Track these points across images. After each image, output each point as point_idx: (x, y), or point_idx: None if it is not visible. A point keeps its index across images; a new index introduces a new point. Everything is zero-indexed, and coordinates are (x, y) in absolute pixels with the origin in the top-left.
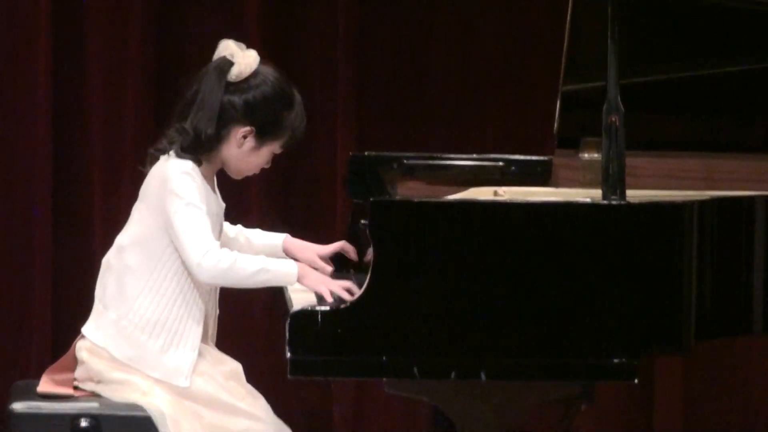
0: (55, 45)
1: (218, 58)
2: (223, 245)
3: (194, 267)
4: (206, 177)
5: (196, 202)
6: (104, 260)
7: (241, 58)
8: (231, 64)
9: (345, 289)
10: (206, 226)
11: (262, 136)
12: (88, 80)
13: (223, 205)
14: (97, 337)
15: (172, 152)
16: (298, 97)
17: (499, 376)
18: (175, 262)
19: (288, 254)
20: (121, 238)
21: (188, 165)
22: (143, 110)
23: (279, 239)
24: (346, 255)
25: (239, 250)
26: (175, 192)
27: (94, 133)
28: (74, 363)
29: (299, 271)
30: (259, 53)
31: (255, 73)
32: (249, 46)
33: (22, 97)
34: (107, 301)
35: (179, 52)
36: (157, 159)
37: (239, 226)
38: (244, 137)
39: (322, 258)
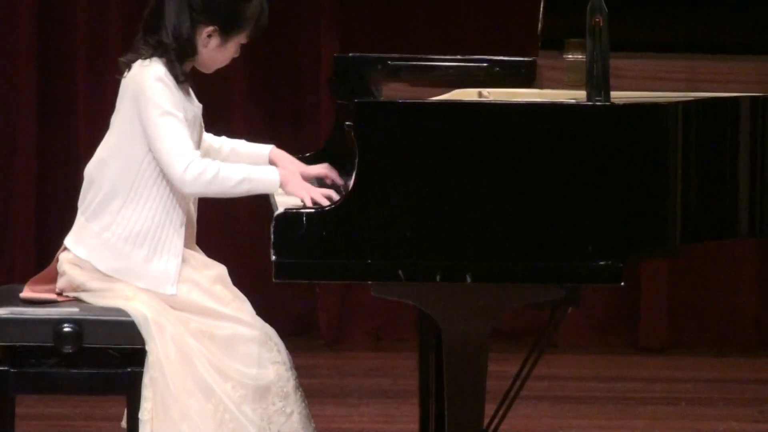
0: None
1: None
2: (206, 156)
3: (177, 180)
4: (181, 83)
5: (173, 110)
6: (86, 172)
7: None
8: None
9: (326, 198)
10: (185, 135)
11: (226, 32)
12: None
13: (200, 106)
14: (80, 250)
15: (145, 60)
16: None
17: (485, 278)
18: (155, 170)
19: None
20: (101, 150)
21: (160, 70)
22: (128, 15)
23: (265, 150)
24: (328, 180)
25: (224, 161)
26: (151, 100)
27: (78, 42)
28: (56, 275)
29: (281, 177)
30: None
31: None
32: None
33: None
34: (90, 214)
35: None
36: (129, 67)
37: (224, 137)
38: (209, 36)
39: (305, 178)
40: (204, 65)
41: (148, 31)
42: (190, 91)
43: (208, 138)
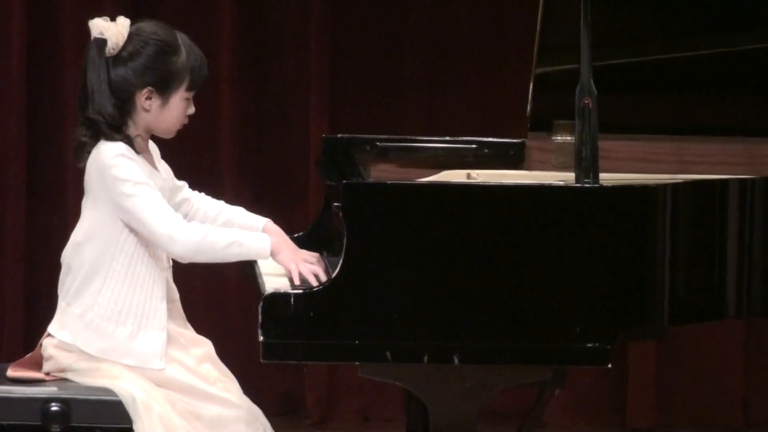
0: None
1: (92, 40)
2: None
3: (166, 241)
4: (142, 152)
5: (144, 179)
6: (62, 258)
7: (110, 30)
8: (104, 41)
9: (313, 274)
10: (162, 202)
11: (164, 90)
12: (63, 34)
13: (167, 178)
14: (65, 335)
15: (100, 143)
16: (181, 36)
17: (472, 359)
18: (131, 246)
19: None
20: (76, 234)
21: (121, 147)
22: None
23: (260, 224)
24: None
25: None
26: (118, 177)
27: (69, 100)
28: (40, 359)
29: (272, 246)
30: (230, 34)
31: (130, 38)
32: (220, 27)
33: None
34: (70, 298)
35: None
36: (85, 152)
37: (222, 203)
38: (148, 99)
39: None
40: (158, 129)
41: (81, 109)
42: (156, 164)
43: (206, 203)
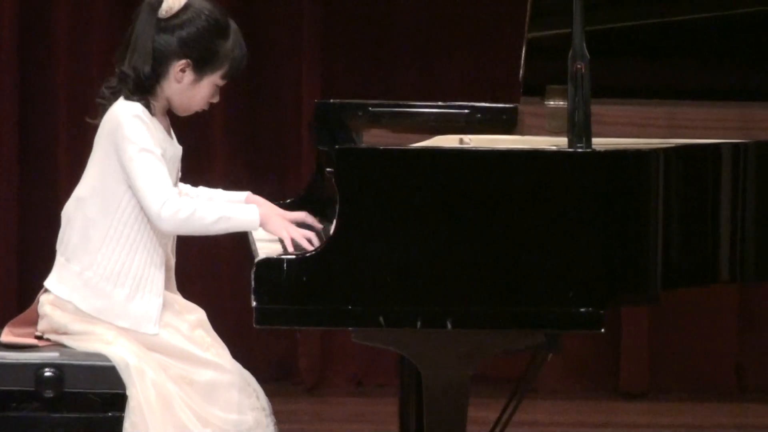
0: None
1: None
2: None
3: (154, 217)
4: (158, 118)
5: (150, 147)
6: (63, 213)
7: None
8: (159, 1)
9: (306, 240)
10: (162, 172)
11: (200, 68)
12: (55, 16)
13: (180, 147)
14: (62, 290)
15: (120, 100)
16: (234, 26)
17: (465, 324)
18: (135, 208)
19: None
20: (79, 190)
21: (137, 108)
22: (109, 55)
23: (241, 197)
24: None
25: None
26: (128, 137)
27: (60, 83)
28: (36, 317)
29: (261, 216)
30: (224, 1)
31: (186, 7)
32: None
33: None
34: (69, 254)
35: None
36: (105, 107)
37: (201, 187)
38: (182, 71)
39: None
40: (178, 104)
41: (118, 63)
42: (171, 132)
43: (185, 188)
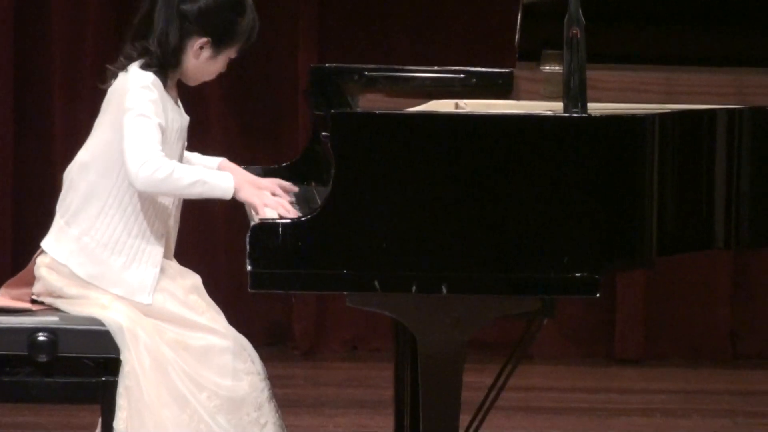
0: None
1: None
2: None
3: (132, 176)
4: (168, 89)
5: (149, 113)
6: (65, 175)
7: None
8: None
9: (280, 205)
10: (151, 136)
11: (219, 44)
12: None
13: (187, 118)
14: (58, 253)
15: (133, 66)
16: (249, 0)
17: (460, 289)
18: None
19: None
20: (83, 154)
21: (149, 78)
22: (104, 25)
23: (215, 163)
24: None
25: None
26: (131, 104)
27: (54, 49)
28: (33, 278)
29: (236, 184)
30: None
31: None
32: None
33: None
34: (69, 218)
35: None
36: (116, 75)
37: None
38: (201, 48)
39: None
40: (192, 77)
41: (136, 37)
42: (179, 102)
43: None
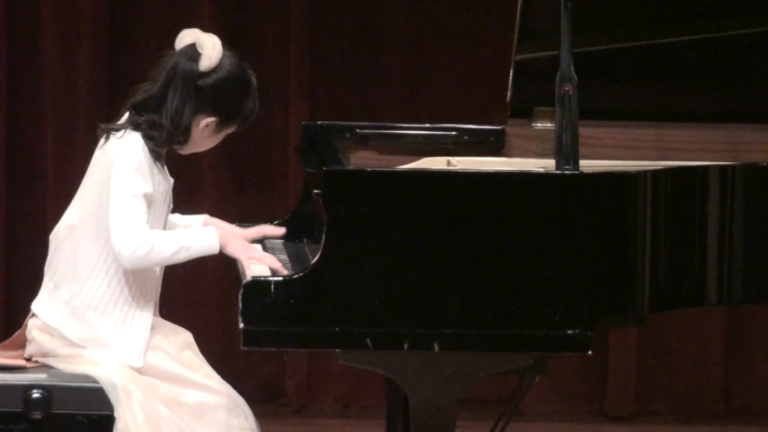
0: (8, 16)
1: (185, 47)
2: None
3: (116, 254)
4: (155, 153)
5: (136, 188)
6: (52, 237)
7: (210, 49)
8: (199, 54)
9: (264, 260)
10: (134, 210)
11: (224, 123)
12: (42, 49)
13: (171, 180)
14: (49, 317)
15: (129, 131)
16: (254, 80)
17: (452, 346)
18: None
19: None
20: (70, 216)
21: (138, 144)
22: (97, 82)
23: (198, 221)
24: (271, 236)
25: None
26: (118, 175)
27: (47, 107)
28: (24, 341)
29: (220, 239)
30: (210, 22)
31: (219, 63)
32: (201, 18)
33: None
34: (58, 280)
35: (133, 19)
36: (107, 137)
37: None
38: (207, 126)
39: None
40: (189, 149)
41: (145, 108)
42: (164, 165)
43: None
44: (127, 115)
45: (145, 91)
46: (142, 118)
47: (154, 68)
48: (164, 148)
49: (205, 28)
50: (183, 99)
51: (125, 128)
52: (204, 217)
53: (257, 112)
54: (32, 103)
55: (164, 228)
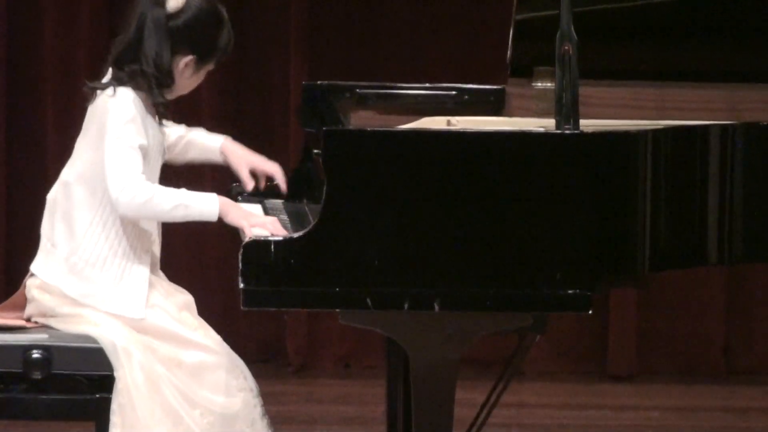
0: None
1: None
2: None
3: (113, 201)
4: (148, 106)
5: (129, 136)
6: (49, 197)
7: None
8: None
9: (266, 226)
10: (131, 160)
11: (202, 60)
12: (42, 10)
13: (165, 132)
14: (48, 275)
15: (119, 87)
16: (224, 12)
17: (452, 306)
18: None
19: (224, 158)
20: (66, 174)
21: (129, 96)
22: (97, 42)
23: (217, 142)
24: (274, 180)
25: (178, 155)
26: (111, 126)
27: (47, 58)
28: (24, 301)
29: (221, 207)
30: None
31: (186, 3)
32: None
33: None
34: (55, 239)
35: None
36: (98, 94)
37: (182, 127)
38: (186, 65)
39: (255, 168)
40: (173, 93)
41: (124, 60)
42: (156, 116)
43: (172, 131)
44: (110, 71)
45: (119, 42)
46: (124, 72)
47: (124, 19)
48: (158, 97)
49: None
50: (159, 42)
51: (112, 85)
52: (223, 140)
53: (231, 45)
54: (31, 64)
55: (158, 181)
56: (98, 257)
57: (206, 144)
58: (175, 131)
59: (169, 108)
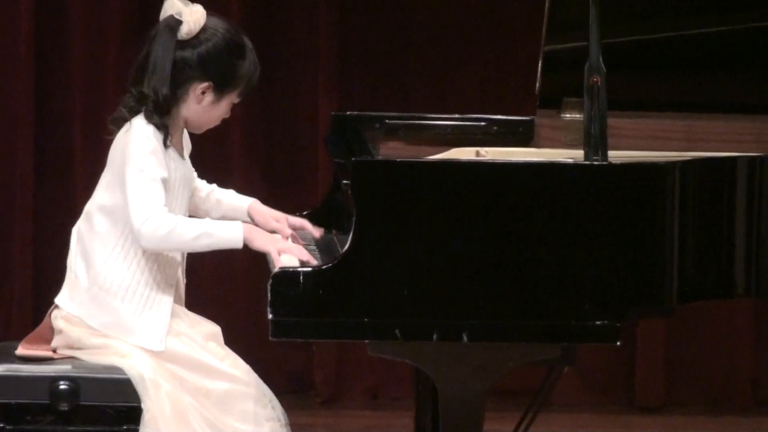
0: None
1: (166, 17)
2: (194, 204)
3: (136, 234)
4: (174, 141)
5: (149, 168)
6: (74, 229)
7: (189, 15)
8: (179, 22)
9: (293, 251)
10: (153, 192)
11: (220, 89)
12: (71, 33)
13: (193, 169)
14: (71, 306)
15: (135, 118)
16: (249, 43)
17: (481, 337)
18: None
19: (251, 219)
20: (90, 205)
21: (149, 132)
22: (124, 67)
23: (245, 203)
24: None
25: (208, 211)
26: (131, 157)
27: (76, 93)
28: (51, 333)
29: (245, 234)
30: (238, 11)
31: (204, 28)
32: (229, 4)
33: (3, 52)
34: (78, 270)
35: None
36: (120, 124)
37: (214, 186)
38: (203, 93)
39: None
40: (196, 124)
41: (134, 82)
42: (184, 152)
43: (199, 184)
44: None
45: (133, 67)
46: (132, 95)
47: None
48: (155, 119)
49: (234, 15)
50: (162, 67)
51: (126, 113)
52: (251, 202)
53: (256, 76)
54: (60, 99)
55: (186, 214)
56: (120, 287)
57: (234, 204)
58: (207, 187)
59: (169, 135)
